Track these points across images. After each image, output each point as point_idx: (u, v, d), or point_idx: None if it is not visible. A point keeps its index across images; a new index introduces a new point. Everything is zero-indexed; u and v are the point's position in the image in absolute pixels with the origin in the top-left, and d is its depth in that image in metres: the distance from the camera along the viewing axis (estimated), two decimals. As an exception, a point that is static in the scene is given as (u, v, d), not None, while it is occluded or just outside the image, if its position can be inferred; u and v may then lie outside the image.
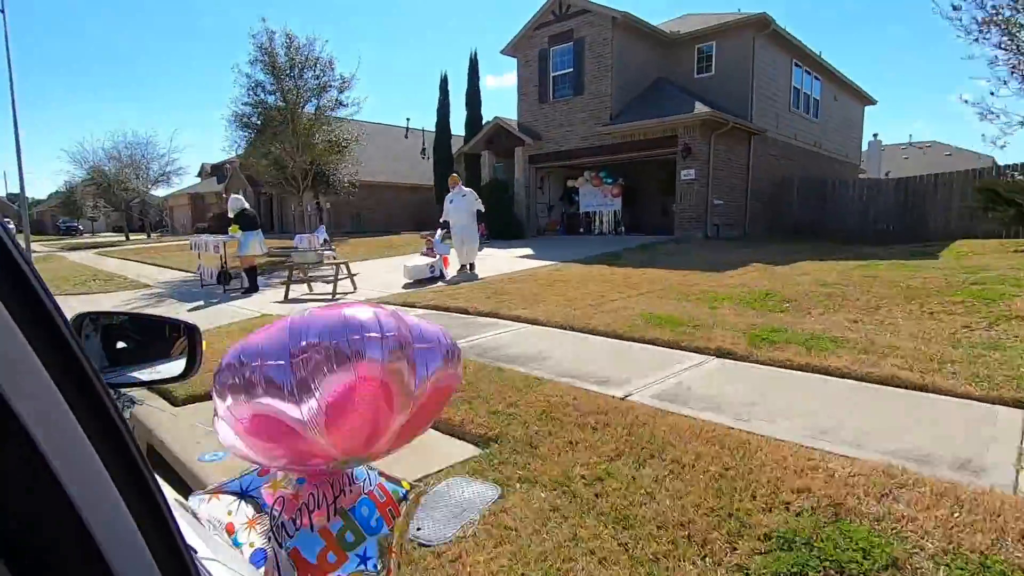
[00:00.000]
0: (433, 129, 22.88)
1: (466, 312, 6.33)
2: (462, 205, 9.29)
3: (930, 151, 46.63)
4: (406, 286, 8.40)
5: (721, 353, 4.16)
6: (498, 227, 17.21)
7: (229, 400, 1.14)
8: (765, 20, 15.17)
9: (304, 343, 1.11)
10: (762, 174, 16.53)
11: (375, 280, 9.22)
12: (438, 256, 9.23)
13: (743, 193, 15.74)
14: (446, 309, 6.57)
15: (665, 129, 14.37)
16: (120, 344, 1.29)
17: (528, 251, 13.45)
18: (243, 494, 1.29)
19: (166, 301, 8.73)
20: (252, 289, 8.98)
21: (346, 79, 14.51)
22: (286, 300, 8.16)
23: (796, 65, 18.01)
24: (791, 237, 15.87)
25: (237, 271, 9.30)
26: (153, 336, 1.32)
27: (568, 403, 3.25)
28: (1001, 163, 14.83)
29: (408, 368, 1.19)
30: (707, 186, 14.17)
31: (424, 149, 33.43)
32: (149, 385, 1.59)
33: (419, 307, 6.89)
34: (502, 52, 18.00)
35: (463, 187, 9.58)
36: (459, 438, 3.10)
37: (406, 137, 35.18)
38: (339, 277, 8.34)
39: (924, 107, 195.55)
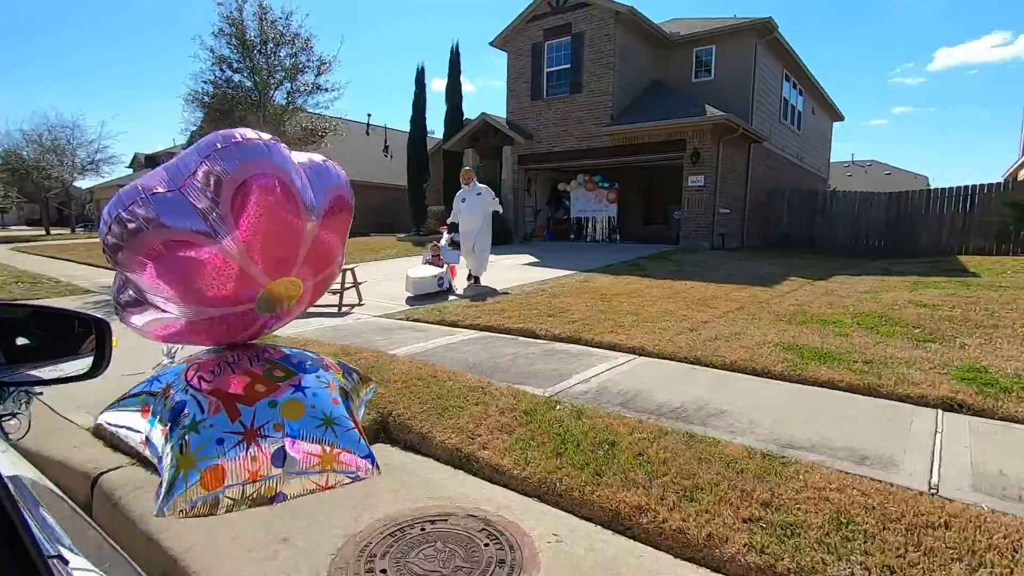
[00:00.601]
0: (396, 127, 21.46)
1: (535, 335, 5.09)
2: (477, 205, 7.81)
3: (871, 169, 49.14)
4: (411, 300, 7.05)
5: (950, 405, 3.15)
6: (485, 231, 15.97)
7: (131, 253, 1.17)
8: (770, 25, 14.76)
9: (186, 169, 1.18)
10: (757, 184, 16.13)
11: (375, 290, 7.78)
12: (446, 266, 7.81)
13: (743, 203, 15.22)
14: (505, 331, 5.31)
15: (672, 132, 13.61)
16: (21, 340, 1.23)
17: (529, 258, 12.29)
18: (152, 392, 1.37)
19: (119, 313, 6.96)
20: None
21: (325, 60, 12.87)
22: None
23: (786, 76, 17.84)
24: (788, 249, 15.51)
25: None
26: (59, 332, 1.27)
27: (861, 505, 2.12)
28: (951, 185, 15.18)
29: (300, 175, 1.30)
30: (714, 194, 13.50)
31: (387, 147, 31.73)
32: (50, 383, 1.27)
33: (463, 326, 5.59)
34: (492, 44, 16.82)
35: (478, 183, 8.12)
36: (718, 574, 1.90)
37: (367, 134, 33.28)
38: (345, 286, 6.88)
39: (859, 129, 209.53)
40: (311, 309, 6.23)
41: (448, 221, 8.16)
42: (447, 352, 4.61)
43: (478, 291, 7.65)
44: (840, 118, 25.45)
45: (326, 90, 13.04)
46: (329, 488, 1.35)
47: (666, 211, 14.95)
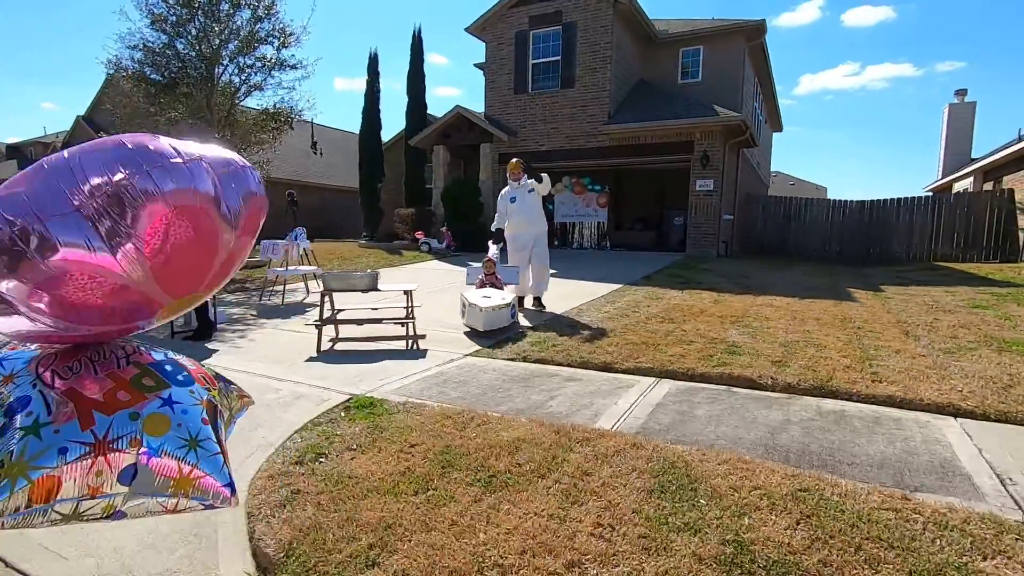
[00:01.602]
0: (323, 123, 19.06)
1: (758, 385, 3.72)
2: (532, 205, 6.12)
3: (777, 179, 52.68)
4: (472, 334, 5.29)
5: None
6: (462, 237, 14.32)
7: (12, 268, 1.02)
8: (761, 29, 14.48)
9: (89, 184, 1.03)
10: (741, 189, 15.85)
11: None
12: (507, 288, 5.79)
13: (733, 208, 14.80)
14: (702, 378, 3.88)
15: (680, 134, 12.79)
16: None
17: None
18: None
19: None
20: (204, 331, 5.34)
21: (289, 31, 10.63)
22: (327, 351, 4.74)
23: (758, 82, 17.86)
24: (776, 256, 15.34)
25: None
26: None
27: None
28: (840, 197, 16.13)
29: (217, 184, 1.18)
30: (720, 199, 12.85)
31: (315, 143, 28.80)
32: None
33: (622, 370, 4.10)
34: (468, 30, 15.21)
35: (527, 178, 6.35)
36: None
37: (291, 128, 30.06)
38: (409, 315, 5.08)
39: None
40: (380, 346, 4.49)
41: (493, 227, 6.43)
42: (680, 422, 3.13)
43: (548, 316, 6.01)
44: (779, 129, 26.42)
45: (292, 67, 10.81)
46: (176, 512, 1.26)
47: (666, 217, 14.18)
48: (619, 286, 8.43)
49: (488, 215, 14.94)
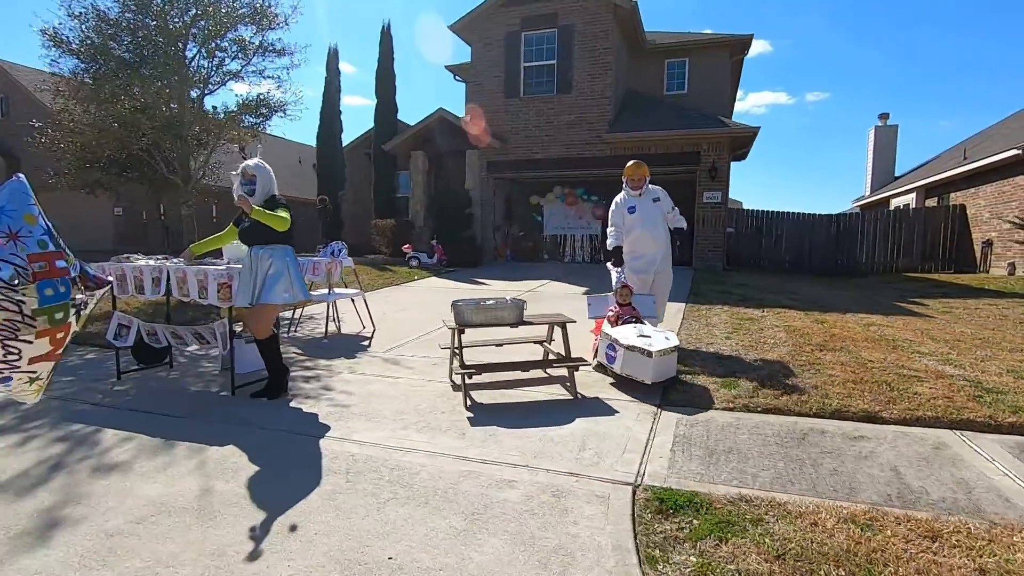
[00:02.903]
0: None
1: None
2: (657, 217, 4.83)
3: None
4: (624, 381, 4.17)
5: None
6: (452, 251, 13.11)
7: None
8: (747, 43, 14.60)
9: None
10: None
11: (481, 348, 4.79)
12: (646, 320, 4.44)
13: (732, 221, 14.73)
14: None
15: (686, 144, 12.43)
16: None
17: (560, 286, 9.99)
18: None
19: (61, 435, 3.16)
20: (278, 384, 3.84)
21: (267, 13, 8.97)
22: (471, 405, 3.51)
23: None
24: (757, 269, 15.46)
25: (245, 338, 4.04)
26: None
27: None
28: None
29: None
30: (725, 211, 12.64)
31: (242, 148, 26.12)
32: None
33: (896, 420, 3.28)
34: (451, 28, 14.07)
35: (650, 184, 4.98)
36: None
37: (281, 116, 27.17)
38: (567, 352, 3.96)
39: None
40: (530, 394, 3.64)
41: (610, 245, 4.96)
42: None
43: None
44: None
45: (278, 52, 9.18)
46: None
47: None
48: (681, 304, 7.71)
49: (478, 228, 13.83)
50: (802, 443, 3.01)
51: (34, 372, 2.41)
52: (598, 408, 3.61)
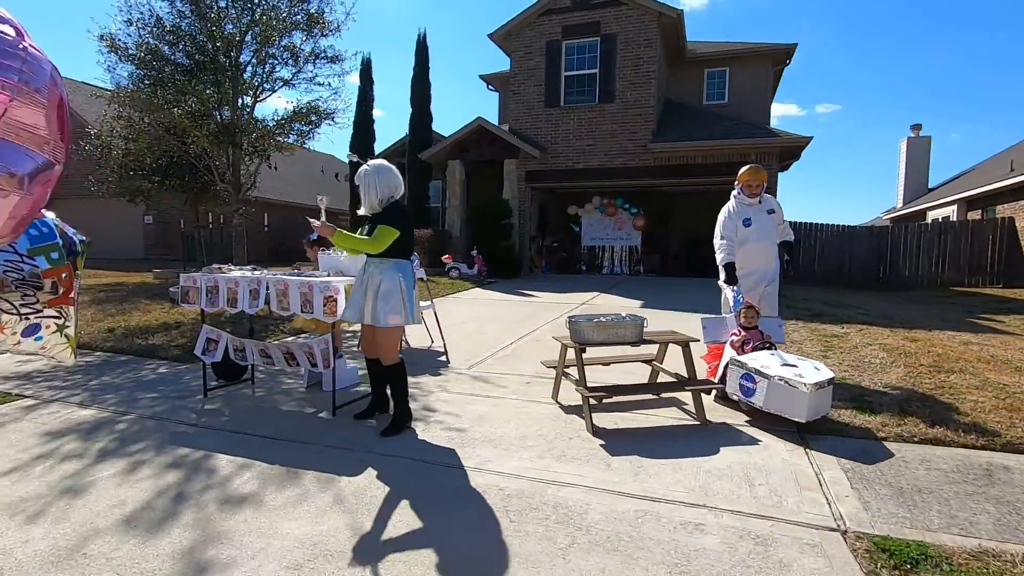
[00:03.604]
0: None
1: None
2: (771, 231, 4.41)
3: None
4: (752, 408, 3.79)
5: None
6: (491, 261, 12.87)
7: None
8: (790, 52, 14.35)
9: None
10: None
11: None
12: (779, 349, 3.98)
13: None
14: None
15: (732, 154, 12.15)
16: None
17: (618, 300, 9.71)
18: None
19: (201, 483, 2.92)
20: (404, 419, 3.48)
21: (320, 19, 8.84)
22: (594, 430, 3.23)
23: (764, 108, 17.89)
24: (794, 282, 15.10)
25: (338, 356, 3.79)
26: None
27: None
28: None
29: None
30: (773, 223, 12.29)
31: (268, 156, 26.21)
32: None
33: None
34: (491, 37, 13.96)
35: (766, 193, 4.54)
36: None
37: (329, 124, 27.35)
38: (691, 374, 3.67)
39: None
40: (650, 419, 3.18)
41: (722, 260, 4.29)
42: None
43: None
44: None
45: (331, 59, 9.05)
46: None
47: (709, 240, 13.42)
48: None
49: (516, 238, 13.60)
50: (992, 481, 2.70)
51: (58, 317, 2.66)
52: (734, 436, 3.32)
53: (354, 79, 16.03)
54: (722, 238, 4.36)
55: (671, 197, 16.53)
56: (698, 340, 3.87)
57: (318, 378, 4.32)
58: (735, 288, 4.22)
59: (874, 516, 2.35)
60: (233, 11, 8.35)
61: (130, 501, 2.49)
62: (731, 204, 4.43)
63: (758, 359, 3.50)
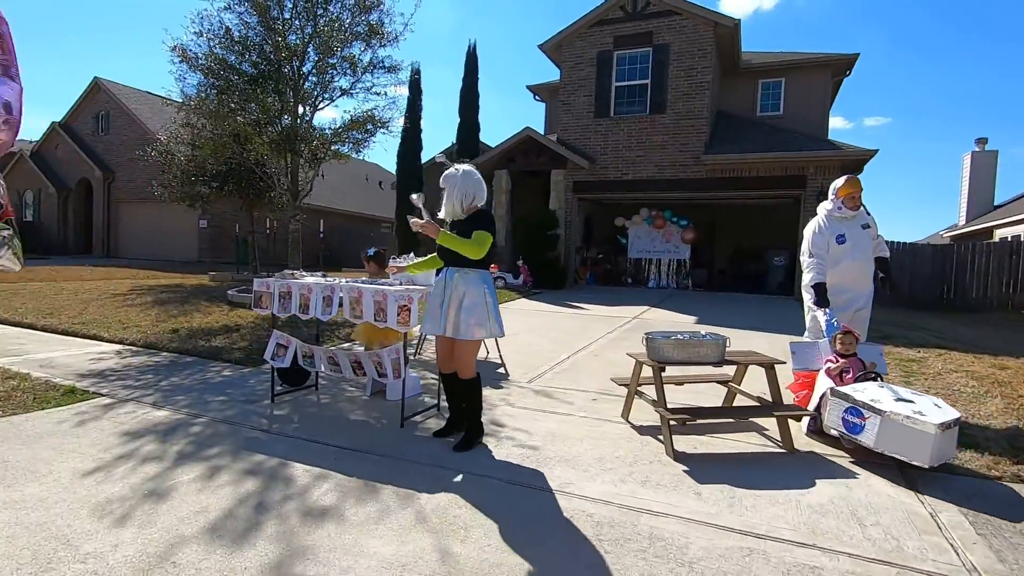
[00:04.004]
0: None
1: None
2: (867, 248, 4.06)
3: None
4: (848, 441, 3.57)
5: None
6: (536, 272, 12.76)
7: None
8: (851, 63, 13.86)
9: None
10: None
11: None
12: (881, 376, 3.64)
13: None
14: None
15: (789, 167, 11.77)
16: None
17: (673, 315, 9.44)
18: None
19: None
20: (476, 434, 3.27)
21: (377, 28, 8.96)
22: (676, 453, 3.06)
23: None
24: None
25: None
26: None
27: None
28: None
29: None
30: (832, 239, 11.81)
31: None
32: None
33: None
34: (541, 48, 13.98)
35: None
36: None
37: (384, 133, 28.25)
38: (777, 397, 3.47)
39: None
40: (731, 444, 3.09)
41: (811, 280, 3.98)
42: None
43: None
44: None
45: (389, 69, 9.17)
46: None
47: (766, 257, 13.05)
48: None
49: (562, 249, 13.47)
50: None
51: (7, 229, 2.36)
52: (828, 468, 3.10)
53: (402, 89, 16.19)
54: (811, 256, 4.04)
55: (715, 210, 16.14)
56: (783, 362, 3.64)
57: (381, 387, 4.28)
58: (827, 311, 3.89)
59: (1012, 569, 2.12)
60: (297, 22, 8.56)
61: (213, 508, 2.46)
62: (820, 219, 4.11)
63: (866, 391, 3.15)
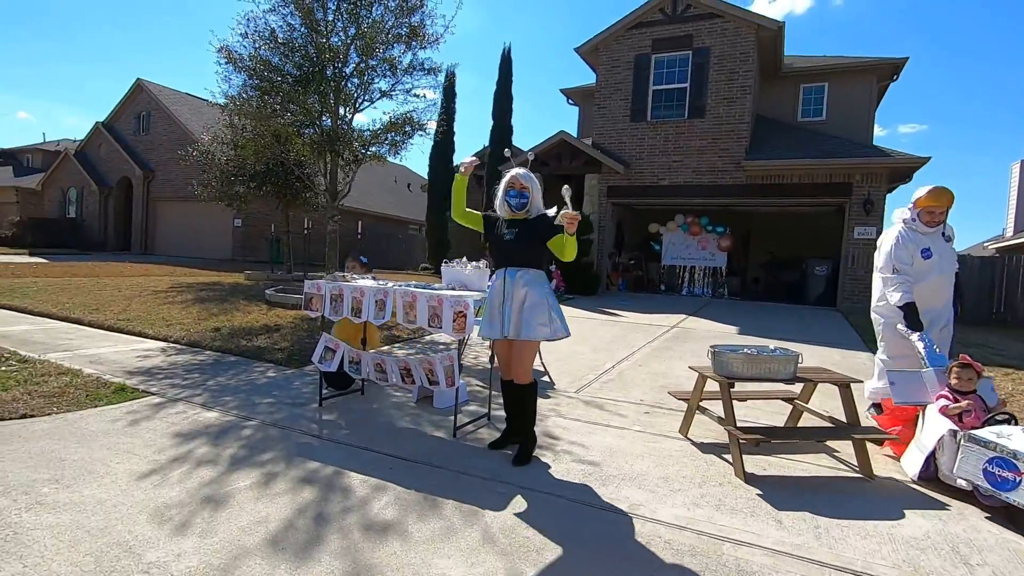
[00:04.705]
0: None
1: None
2: (951, 258, 3.75)
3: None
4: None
5: None
6: (568, 278, 12.59)
7: None
8: (899, 66, 13.40)
9: None
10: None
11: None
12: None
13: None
14: None
15: (834, 174, 11.41)
16: None
17: (687, 319, 9.18)
18: None
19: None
20: (532, 447, 3.14)
21: (421, 30, 8.93)
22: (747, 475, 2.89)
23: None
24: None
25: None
26: None
27: None
28: None
29: None
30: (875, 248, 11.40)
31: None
32: None
33: None
34: (577, 51, 13.85)
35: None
36: None
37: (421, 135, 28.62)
38: (853, 416, 3.26)
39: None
40: (803, 467, 2.90)
41: (900, 300, 3.54)
42: None
43: None
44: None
45: (429, 71, 9.14)
46: None
47: (805, 266, 12.68)
48: (871, 355, 6.74)
49: (595, 255, 13.28)
50: None
51: None
52: (913, 497, 2.88)
53: (438, 93, 16.21)
54: (894, 271, 3.63)
55: (750, 217, 15.76)
56: (860, 381, 3.43)
57: (428, 392, 4.18)
58: (922, 335, 3.44)
59: None
60: (340, 23, 8.59)
61: (272, 518, 2.38)
62: (900, 230, 3.73)
63: (1013, 438, 2.63)
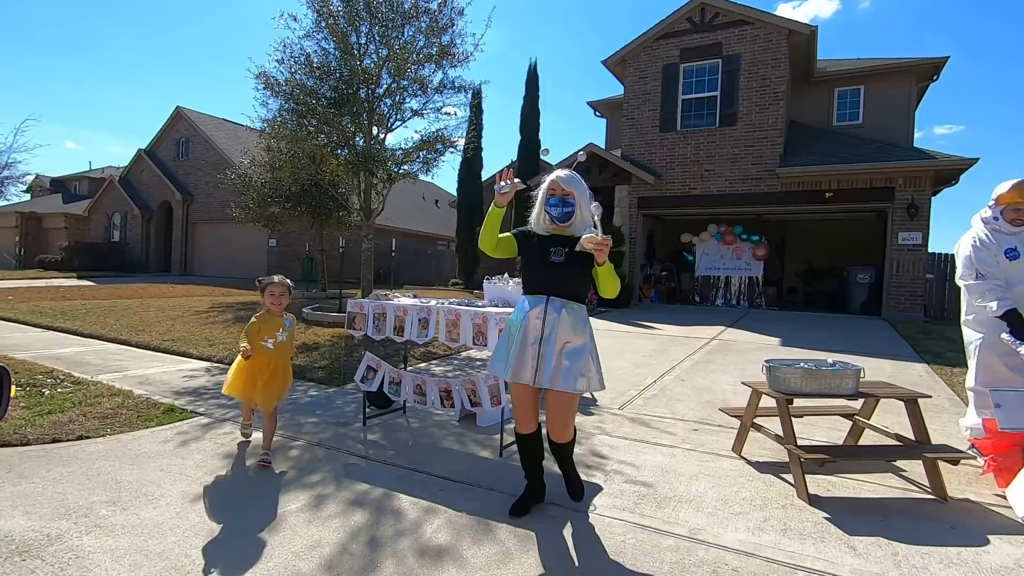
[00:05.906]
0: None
1: None
2: None
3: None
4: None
5: None
6: (600, 290, 12.42)
7: None
8: (938, 67, 12.99)
9: None
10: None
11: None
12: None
13: (932, 265, 12.85)
14: None
15: (875, 179, 11.06)
16: None
17: (725, 331, 8.92)
18: None
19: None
20: (582, 485, 2.86)
21: (451, 49, 9.05)
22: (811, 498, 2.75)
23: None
24: (942, 321, 13.30)
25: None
26: None
27: None
28: None
29: None
30: (926, 254, 10.98)
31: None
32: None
33: None
34: (604, 63, 13.84)
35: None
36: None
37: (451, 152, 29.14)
38: (921, 433, 3.07)
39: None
40: (873, 489, 2.65)
41: (997, 308, 3.15)
42: None
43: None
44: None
45: (459, 89, 9.24)
46: None
47: (845, 274, 12.28)
48: (918, 366, 6.45)
49: (627, 267, 13.12)
50: None
51: None
52: (994, 520, 2.69)
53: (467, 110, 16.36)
54: (979, 276, 3.25)
55: (785, 225, 15.38)
56: (929, 396, 3.25)
57: (470, 411, 4.13)
58: (1018, 341, 3.05)
59: None
60: (372, 46, 8.77)
61: (325, 542, 2.35)
62: (980, 231, 3.36)
63: None
